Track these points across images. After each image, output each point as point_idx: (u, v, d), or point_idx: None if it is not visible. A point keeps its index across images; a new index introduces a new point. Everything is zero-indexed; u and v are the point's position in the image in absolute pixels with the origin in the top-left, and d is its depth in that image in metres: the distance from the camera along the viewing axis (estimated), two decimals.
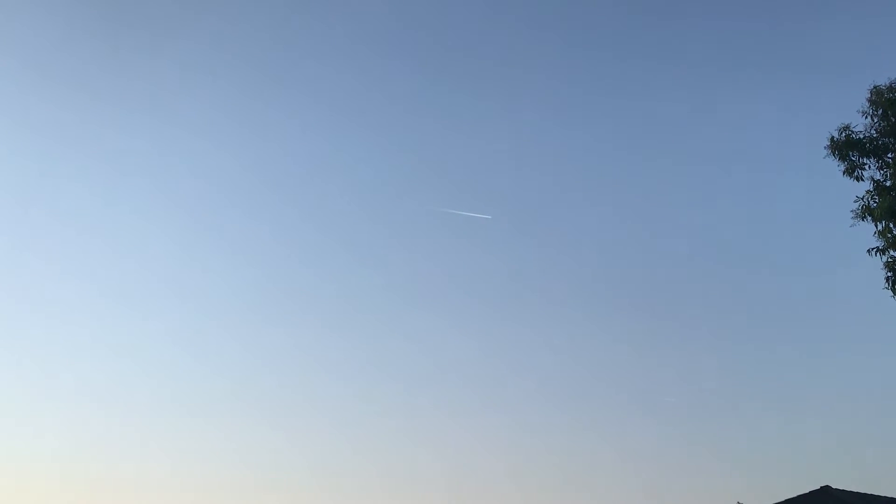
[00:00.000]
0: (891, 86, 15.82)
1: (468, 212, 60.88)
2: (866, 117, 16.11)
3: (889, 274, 15.28)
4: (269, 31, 66.93)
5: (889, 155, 15.94)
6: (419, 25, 68.07)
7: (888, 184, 15.73)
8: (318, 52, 67.77)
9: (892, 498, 26.01)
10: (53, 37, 61.17)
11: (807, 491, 25.21)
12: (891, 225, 15.18)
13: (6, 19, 59.04)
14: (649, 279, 63.64)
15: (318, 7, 67.35)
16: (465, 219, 61.50)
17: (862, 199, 15.81)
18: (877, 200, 15.55)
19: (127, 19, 63.86)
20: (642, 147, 66.34)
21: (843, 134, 16.27)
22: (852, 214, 15.81)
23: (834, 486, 24.95)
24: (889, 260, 15.31)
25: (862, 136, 16.07)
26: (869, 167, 16.15)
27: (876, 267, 15.49)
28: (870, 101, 16.06)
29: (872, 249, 15.57)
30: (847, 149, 16.14)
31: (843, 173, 16.31)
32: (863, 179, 16.17)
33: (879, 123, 16.00)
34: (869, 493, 25.93)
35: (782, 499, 25.59)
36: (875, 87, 15.96)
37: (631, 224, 65.51)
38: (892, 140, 15.84)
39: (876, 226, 15.44)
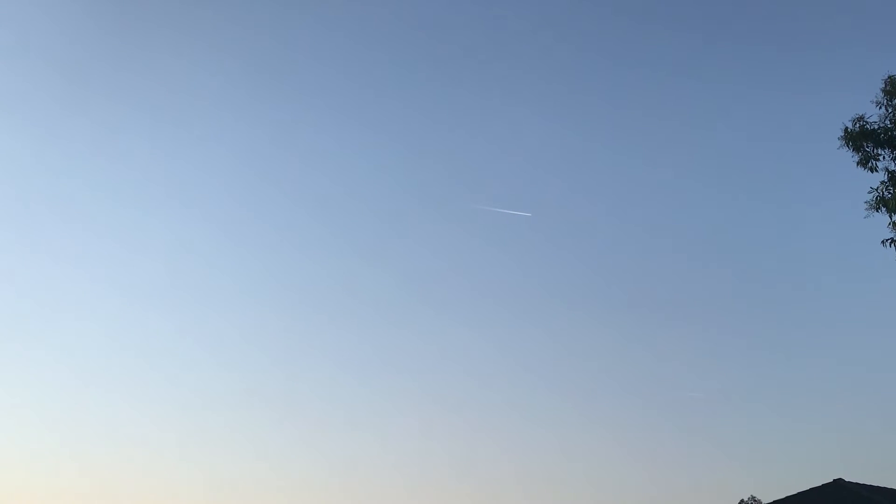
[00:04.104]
0: None
1: (508, 209, 60.48)
2: (880, 107, 15.97)
3: None
4: (280, 29, 67.01)
5: None
6: (434, 26, 67.98)
7: None
8: (331, 52, 67.87)
9: None
10: (61, 35, 61.48)
11: (820, 484, 25.13)
12: None
13: (13, 17, 59.41)
14: (663, 279, 63.49)
15: (334, 5, 67.34)
16: (487, 216, 61.23)
17: (876, 190, 15.70)
18: (891, 191, 15.44)
19: (132, 18, 64.09)
20: (657, 150, 66.18)
21: (858, 125, 16.14)
22: (866, 206, 15.71)
23: (847, 479, 24.85)
24: None
25: (876, 127, 15.94)
26: (883, 158, 16.02)
27: (890, 258, 15.40)
28: (884, 91, 15.90)
29: (886, 241, 15.47)
30: (861, 139, 16.01)
31: (857, 164, 16.20)
32: (877, 170, 16.05)
33: (894, 114, 15.85)
34: (882, 485, 25.82)
35: (795, 492, 25.52)
36: (890, 77, 15.80)
37: (648, 225, 65.44)
38: None
39: (890, 217, 15.35)
